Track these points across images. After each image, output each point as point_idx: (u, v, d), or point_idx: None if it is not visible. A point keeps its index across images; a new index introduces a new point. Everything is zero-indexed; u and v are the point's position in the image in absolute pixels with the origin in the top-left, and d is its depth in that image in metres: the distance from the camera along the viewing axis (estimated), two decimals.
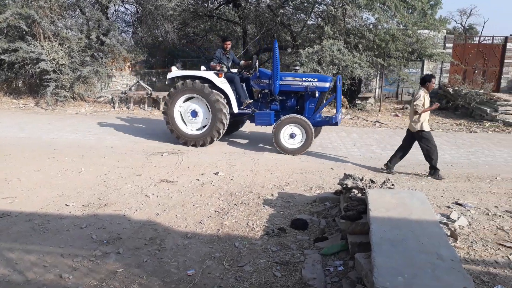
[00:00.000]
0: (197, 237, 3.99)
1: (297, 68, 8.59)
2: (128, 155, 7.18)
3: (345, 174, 4.69)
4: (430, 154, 6.26)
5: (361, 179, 4.40)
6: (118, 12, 17.42)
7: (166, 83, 8.74)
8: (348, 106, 12.75)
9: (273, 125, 7.61)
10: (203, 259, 3.55)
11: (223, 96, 7.62)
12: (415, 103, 6.14)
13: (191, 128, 7.98)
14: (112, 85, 15.10)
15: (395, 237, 2.89)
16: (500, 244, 3.90)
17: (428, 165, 6.37)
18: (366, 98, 13.04)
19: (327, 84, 7.67)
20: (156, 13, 15.13)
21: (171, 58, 20.30)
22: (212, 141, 7.89)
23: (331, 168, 6.70)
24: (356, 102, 12.90)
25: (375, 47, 11.51)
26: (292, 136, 7.52)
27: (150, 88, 13.25)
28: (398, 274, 2.42)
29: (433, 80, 6.39)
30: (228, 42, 8.25)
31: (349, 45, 11.46)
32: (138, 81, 14.67)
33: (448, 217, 4.44)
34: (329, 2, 12.07)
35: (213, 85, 7.61)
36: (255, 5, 14.61)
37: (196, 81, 7.65)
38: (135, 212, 4.58)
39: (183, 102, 7.92)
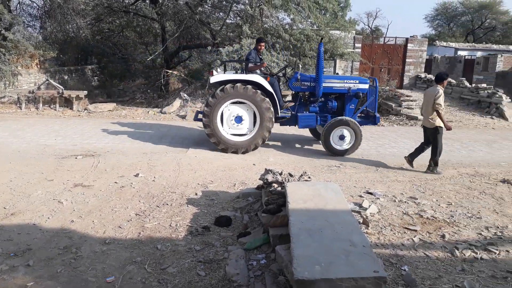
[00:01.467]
0: (116, 242, 3.84)
1: (338, 72, 8.58)
2: (38, 159, 6.65)
3: (265, 169, 4.83)
4: (439, 149, 6.57)
5: (280, 173, 4.57)
6: (23, 5, 15.99)
7: (207, 88, 7.90)
8: None
9: (321, 127, 7.70)
10: (124, 265, 3.43)
11: (270, 102, 7.38)
12: (438, 102, 6.29)
13: (232, 133, 7.56)
14: (18, 84, 13.80)
15: (312, 227, 3.06)
16: (406, 228, 4.31)
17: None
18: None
19: (366, 86, 7.90)
20: (66, 7, 14.12)
21: (85, 55, 19.14)
22: (255, 148, 7.61)
23: (254, 164, 6.84)
24: None
25: (291, 46, 11.95)
26: (341, 138, 7.56)
27: (61, 87, 12.37)
28: (316, 263, 2.56)
29: (447, 77, 6.62)
30: (263, 44, 8.00)
31: (267, 45, 11.76)
32: (47, 80, 13.58)
33: (360, 206, 4.78)
34: (247, 1, 12.25)
35: (259, 89, 7.33)
36: (173, 1, 14.31)
37: (248, 86, 7.24)
38: (47, 220, 4.27)
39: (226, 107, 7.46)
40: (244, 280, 3.13)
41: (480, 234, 4.21)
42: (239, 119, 7.48)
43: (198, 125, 10.41)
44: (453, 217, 4.64)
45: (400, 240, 4.02)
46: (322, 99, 8.00)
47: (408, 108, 12.60)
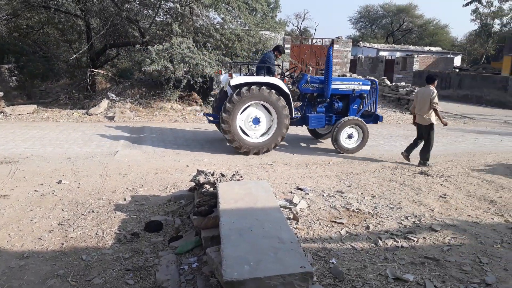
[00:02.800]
0: (36, 255, 3.57)
1: (323, 71, 8.57)
2: None
3: (198, 170, 4.77)
4: (430, 146, 7.18)
5: (212, 174, 4.55)
6: None
7: (230, 91, 7.53)
8: (202, 103, 12.97)
9: (329, 126, 7.99)
10: (44, 279, 3.19)
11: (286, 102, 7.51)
12: (435, 101, 6.92)
13: (251, 136, 7.59)
14: None
15: (242, 226, 3.07)
16: (333, 222, 4.49)
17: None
18: None
19: (368, 87, 8.37)
20: None
21: (1, 53, 17.54)
22: (275, 147, 7.74)
23: (187, 166, 6.73)
24: (209, 99, 13.21)
25: (223, 46, 11.93)
26: (350, 136, 7.97)
27: None
28: (245, 263, 2.57)
29: (437, 78, 7.43)
30: (280, 54, 8.40)
31: (198, 44, 11.63)
32: None
33: (291, 202, 4.91)
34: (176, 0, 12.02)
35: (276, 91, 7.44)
36: None
37: (263, 87, 7.29)
38: None
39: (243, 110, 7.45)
40: (175, 285, 3.07)
41: (401, 223, 4.52)
42: (256, 121, 7.58)
43: (127, 125, 10.05)
44: (376, 208, 4.93)
45: (328, 234, 4.18)
46: (328, 100, 8.31)
47: None
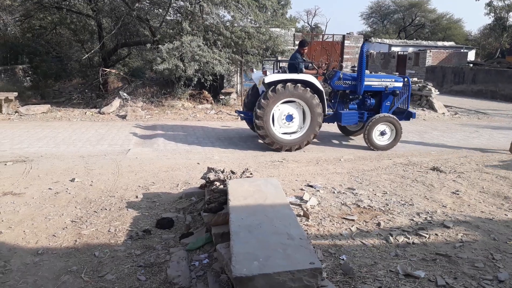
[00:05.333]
0: (50, 252, 3.64)
1: (355, 68, 8.74)
2: None
3: (208, 168, 4.80)
4: None
5: (223, 171, 4.57)
6: None
7: (263, 89, 7.60)
8: (212, 101, 13.01)
9: (361, 123, 8.09)
10: (58, 275, 3.25)
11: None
12: None
13: (283, 132, 7.68)
14: None
15: (252, 223, 3.09)
16: (344, 218, 4.48)
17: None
18: (229, 93, 13.48)
19: (401, 84, 8.33)
20: None
21: (14, 54, 17.85)
22: (307, 144, 7.84)
23: (198, 163, 6.77)
24: (220, 97, 13.25)
25: (233, 44, 11.94)
26: (382, 133, 8.00)
27: None
28: (254, 259, 2.59)
29: None
30: (305, 48, 8.32)
31: (208, 42, 11.66)
32: None
33: (301, 199, 4.91)
34: None
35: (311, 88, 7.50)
36: None
37: (298, 85, 7.37)
38: None
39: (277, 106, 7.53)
40: (186, 282, 3.10)
41: (412, 220, 4.48)
42: (289, 118, 7.64)
43: (139, 124, 10.14)
44: (388, 205, 4.90)
45: (339, 230, 4.18)
46: (360, 96, 8.32)
47: None
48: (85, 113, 11.50)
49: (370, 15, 47.87)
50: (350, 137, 9.42)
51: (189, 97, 12.80)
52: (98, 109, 11.76)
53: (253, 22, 12.56)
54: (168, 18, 13.29)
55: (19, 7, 15.30)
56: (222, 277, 3.07)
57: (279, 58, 11.60)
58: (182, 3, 12.61)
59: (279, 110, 7.60)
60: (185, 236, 3.96)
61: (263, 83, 7.52)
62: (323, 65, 8.74)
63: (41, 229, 4.09)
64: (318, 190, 5.34)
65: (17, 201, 4.81)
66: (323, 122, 7.90)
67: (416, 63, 23.87)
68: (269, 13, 13.54)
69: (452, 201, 5.14)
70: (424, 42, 33.87)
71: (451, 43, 34.33)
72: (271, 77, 7.47)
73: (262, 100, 7.40)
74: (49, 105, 12.04)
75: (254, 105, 8.05)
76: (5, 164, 6.35)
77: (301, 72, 7.87)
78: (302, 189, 5.37)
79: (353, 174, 6.27)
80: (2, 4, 13.54)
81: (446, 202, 5.09)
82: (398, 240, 3.95)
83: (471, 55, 28.88)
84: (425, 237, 4.04)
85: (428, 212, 4.71)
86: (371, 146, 8.07)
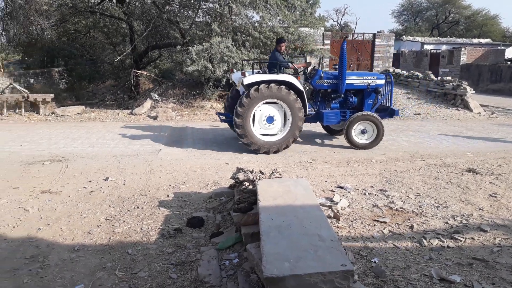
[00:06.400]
0: (86, 248, 3.75)
1: (337, 66, 8.67)
2: (2, 166, 6.42)
3: (237, 168, 4.82)
4: None
5: (252, 172, 4.58)
6: None
7: (243, 90, 7.56)
8: None
9: (344, 122, 7.85)
10: (93, 271, 3.35)
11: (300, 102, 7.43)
12: None
13: (263, 134, 7.53)
14: None
15: (282, 224, 3.08)
16: (376, 220, 4.40)
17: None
18: None
19: (383, 81, 8.22)
20: (28, 8, 13.63)
21: (51, 57, 18.55)
22: (286, 147, 7.61)
23: (227, 163, 6.82)
24: None
25: (261, 44, 11.97)
26: (363, 132, 7.89)
27: (26, 91, 11.98)
28: (285, 260, 2.58)
29: None
30: (283, 44, 8.11)
31: (237, 43, 11.73)
32: (11, 84, 13.11)
33: (331, 200, 4.86)
34: (215, 0, 12.19)
35: (290, 89, 7.34)
36: (140, 1, 14.07)
37: (272, 85, 7.20)
38: (12, 229, 4.13)
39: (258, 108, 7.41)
40: (217, 281, 3.12)
41: (447, 223, 4.34)
42: (270, 119, 7.48)
43: (169, 125, 10.32)
44: (421, 207, 4.77)
45: (370, 233, 4.10)
46: (342, 95, 8.23)
47: None
48: (118, 114, 11.81)
49: (402, 12, 46.81)
50: (335, 136, 9.26)
51: (218, 98, 12.92)
52: (130, 110, 12.05)
53: (281, 22, 12.54)
54: (197, 20, 13.47)
55: (55, 12, 15.90)
56: (252, 277, 3.07)
57: (307, 58, 11.48)
58: (211, 4, 12.76)
59: (261, 110, 7.44)
60: (215, 235, 3.99)
61: (242, 84, 7.40)
62: (304, 63, 8.47)
63: (77, 226, 4.23)
64: (349, 192, 5.26)
65: (54, 199, 5.00)
66: (305, 122, 7.79)
67: (450, 61, 23.15)
68: (297, 12, 13.47)
69: (489, 204, 4.95)
70: (459, 40, 32.79)
71: (488, 40, 33.09)
72: (250, 78, 7.30)
73: (239, 108, 7.24)
74: (83, 107, 12.44)
75: (234, 107, 7.93)
76: (43, 164, 6.60)
77: (283, 71, 7.71)
78: (332, 191, 5.31)
79: (385, 175, 6.14)
80: (39, 9, 14.09)
81: (483, 205, 4.90)
82: (432, 244, 3.84)
83: (509, 53, 27.71)
84: (461, 240, 3.91)
85: (463, 215, 4.55)
86: (351, 145, 7.96)
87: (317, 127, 9.76)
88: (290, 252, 2.69)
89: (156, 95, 12.65)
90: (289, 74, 7.70)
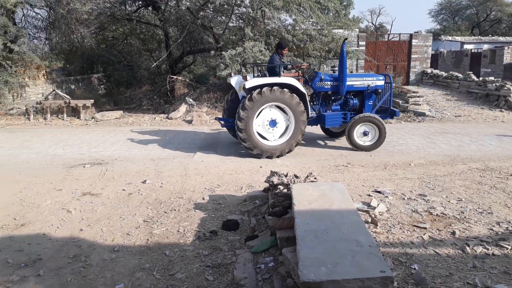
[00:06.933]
0: (125, 249, 3.86)
1: (335, 68, 8.75)
2: (47, 169, 6.72)
3: (271, 171, 4.82)
4: None
5: (286, 175, 4.56)
6: (28, 17, 16.19)
7: (243, 94, 7.59)
8: None
9: (344, 125, 7.81)
10: (132, 272, 3.44)
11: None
12: None
13: (270, 139, 7.46)
14: (26, 96, 13.99)
15: (318, 228, 3.04)
16: (415, 226, 4.26)
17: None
18: None
19: (382, 82, 8.22)
20: (69, 18, 14.27)
21: (90, 64, 19.32)
22: (289, 152, 7.54)
23: (260, 167, 6.83)
24: None
25: (295, 47, 11.94)
26: (365, 134, 7.85)
27: (68, 97, 12.51)
28: (321, 265, 2.54)
29: None
30: (285, 50, 8.13)
31: (270, 46, 11.76)
32: (54, 90, 13.74)
33: (368, 205, 4.75)
34: (248, 4, 12.27)
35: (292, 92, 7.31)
36: (175, 7, 14.39)
37: (274, 88, 7.14)
38: (56, 230, 4.30)
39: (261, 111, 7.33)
40: (253, 284, 3.12)
41: (491, 229, 4.15)
42: (273, 123, 7.40)
43: (204, 128, 10.46)
44: (463, 213, 4.58)
45: (410, 238, 3.98)
46: (342, 97, 8.18)
47: (415, 104, 12.51)
48: (154, 118, 12.10)
49: (440, 12, 45.32)
50: (338, 138, 9.06)
51: None
52: (166, 115, 12.32)
53: (314, 24, 12.46)
54: (230, 24, 13.62)
55: (94, 20, 16.54)
56: (288, 281, 3.05)
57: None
58: (244, 9, 12.86)
59: (262, 116, 7.34)
60: (250, 238, 4.00)
61: (244, 88, 7.28)
62: (303, 66, 8.29)
63: (117, 227, 4.35)
64: (387, 196, 5.13)
65: (95, 201, 5.17)
66: (308, 125, 7.66)
67: (492, 61, 22.16)
68: (331, 14, 13.36)
69: None
70: (501, 38, 31.35)
71: None
72: (251, 82, 7.19)
73: (241, 112, 7.11)
74: (121, 111, 12.84)
75: (234, 111, 7.89)
76: (84, 167, 6.86)
77: (279, 75, 7.57)
78: (369, 195, 5.20)
79: (424, 179, 5.95)
80: (80, 18, 14.71)
81: None
82: (475, 251, 3.68)
83: None
84: (507, 248, 3.72)
85: (509, 222, 4.33)
86: (353, 147, 7.88)
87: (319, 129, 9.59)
88: (327, 257, 2.65)
89: (191, 100, 12.87)
90: (291, 75, 7.71)
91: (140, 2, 16.44)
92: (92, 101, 12.61)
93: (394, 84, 13.81)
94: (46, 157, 7.55)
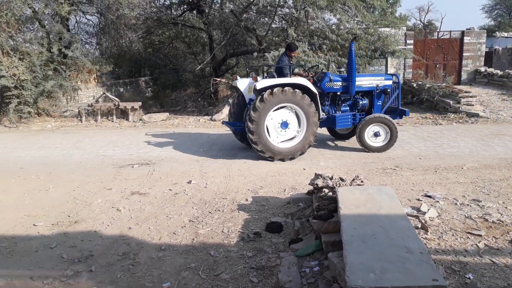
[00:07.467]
0: (171, 248, 3.94)
1: (341, 69, 8.79)
2: (98, 169, 7.02)
3: (315, 174, 4.75)
4: None
5: (331, 178, 4.47)
6: (80, 23, 17.09)
7: (250, 97, 7.58)
8: None
9: (358, 125, 7.75)
10: (179, 271, 3.51)
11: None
12: None
13: (278, 140, 7.33)
14: (78, 98, 14.76)
15: (366, 233, 2.95)
16: (469, 233, 4.04)
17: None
18: None
19: (390, 82, 8.17)
20: (118, 23, 14.91)
21: (138, 68, 20.06)
22: (302, 154, 7.45)
23: (304, 169, 6.76)
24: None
25: (339, 47, 11.74)
26: (376, 135, 7.78)
27: (117, 99, 13.02)
28: (370, 271, 2.46)
29: None
30: (294, 52, 8.05)
31: (313, 46, 11.64)
32: (104, 93, 14.38)
33: (418, 210, 4.57)
34: (291, 5, 12.22)
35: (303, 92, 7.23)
36: (219, 10, 14.62)
37: (286, 88, 7.05)
38: (107, 228, 4.48)
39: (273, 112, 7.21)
40: (297, 287, 3.08)
41: None
42: (285, 125, 7.28)
43: None
44: None
45: (463, 246, 3.78)
46: (351, 98, 8.09)
47: (467, 105, 11.88)
48: (199, 120, 12.33)
49: (494, 7, 42.92)
50: (345, 140, 8.83)
51: None
52: (209, 116, 12.53)
53: (360, 23, 12.20)
54: (273, 26, 13.63)
55: (142, 25, 17.16)
56: (334, 287, 2.99)
57: (389, 59, 11.03)
58: (287, 10, 12.83)
59: (274, 116, 7.17)
60: (294, 241, 3.96)
61: (255, 89, 7.08)
62: (309, 69, 8.11)
63: (164, 226, 4.46)
64: (438, 201, 4.91)
65: (143, 200, 5.34)
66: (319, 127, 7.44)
67: None
68: (377, 12, 13.03)
69: None
70: None
71: None
72: (263, 82, 7.04)
73: (252, 113, 6.96)
74: (167, 113, 13.20)
75: (240, 115, 7.79)
76: (132, 167, 7.10)
77: (288, 76, 7.44)
78: (419, 200, 4.99)
79: (478, 184, 5.63)
80: (128, 23, 15.32)
81: None
82: None
83: None
84: None
85: None
86: (365, 148, 7.74)
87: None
88: (375, 263, 2.57)
89: None
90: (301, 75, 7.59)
91: (185, 6, 16.86)
92: (140, 103, 13.06)
93: (444, 84, 13.27)
94: (97, 157, 7.90)
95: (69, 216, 4.83)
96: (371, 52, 12.17)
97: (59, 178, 6.42)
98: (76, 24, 16.80)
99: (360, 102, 8.10)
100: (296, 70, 7.94)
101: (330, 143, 8.81)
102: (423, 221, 4.17)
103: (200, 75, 18.41)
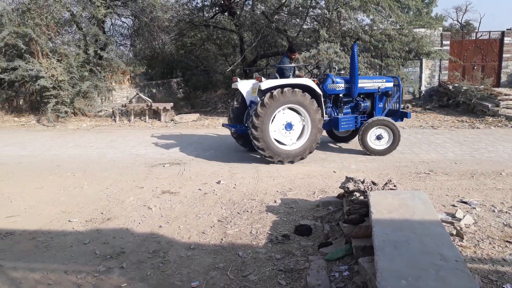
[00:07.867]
0: (200, 247, 3.97)
1: (341, 72, 8.74)
2: (130, 168, 7.19)
3: (346, 177, 4.66)
4: None
5: (363, 182, 4.38)
6: (115, 26, 17.60)
7: (251, 99, 7.55)
8: None
9: (360, 128, 7.70)
10: (207, 270, 3.53)
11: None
12: None
13: (285, 142, 7.23)
14: (113, 99, 15.19)
15: (398, 239, 2.86)
16: (507, 242, 3.86)
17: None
18: None
19: (392, 84, 8.16)
20: (152, 25, 15.24)
21: (170, 69, 20.43)
22: (310, 153, 7.39)
23: (334, 172, 6.67)
24: None
25: (372, 48, 11.52)
26: (379, 138, 7.73)
27: (150, 100, 13.30)
28: (402, 278, 2.39)
29: None
30: (295, 54, 8.09)
31: (345, 47, 11.48)
32: (137, 94, 14.74)
33: (453, 216, 4.40)
34: (324, 6, 12.11)
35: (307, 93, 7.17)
36: (250, 12, 14.68)
37: (296, 89, 6.99)
38: (138, 225, 4.57)
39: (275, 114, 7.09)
40: None
41: None
42: (289, 126, 7.16)
43: None
44: None
45: (501, 255, 3.60)
46: (353, 100, 8.02)
47: (507, 108, 11.40)
48: None
49: None
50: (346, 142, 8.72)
51: None
52: None
53: (394, 23, 11.94)
54: (305, 27, 13.55)
55: (174, 27, 17.48)
56: None
57: (424, 60, 10.73)
58: (319, 11, 12.72)
59: (278, 118, 7.05)
60: (323, 245, 3.90)
61: (259, 90, 6.94)
62: (311, 71, 7.97)
63: (193, 226, 4.51)
64: (474, 208, 4.72)
65: (173, 199, 5.41)
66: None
67: None
68: (411, 13, 12.71)
69: None
70: None
71: None
72: (267, 83, 6.94)
73: (259, 109, 6.81)
74: (198, 114, 13.38)
75: (241, 118, 7.68)
76: (164, 166, 7.22)
77: (289, 77, 7.31)
78: (454, 206, 4.82)
79: None
80: (161, 25, 15.64)
81: None
82: None
83: None
84: None
85: None
86: (367, 151, 7.67)
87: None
88: (407, 270, 2.49)
89: None
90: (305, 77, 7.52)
91: (217, 8, 17.03)
92: (171, 104, 13.30)
93: (482, 86, 12.78)
94: (130, 157, 8.09)
95: (102, 213, 4.96)
96: (405, 53, 11.88)
97: (93, 176, 6.61)
98: (111, 26, 17.34)
99: (362, 104, 8.07)
100: (297, 72, 7.96)
101: (359, 146, 8.65)
102: (458, 228, 4.01)
103: (231, 76, 18.52)
